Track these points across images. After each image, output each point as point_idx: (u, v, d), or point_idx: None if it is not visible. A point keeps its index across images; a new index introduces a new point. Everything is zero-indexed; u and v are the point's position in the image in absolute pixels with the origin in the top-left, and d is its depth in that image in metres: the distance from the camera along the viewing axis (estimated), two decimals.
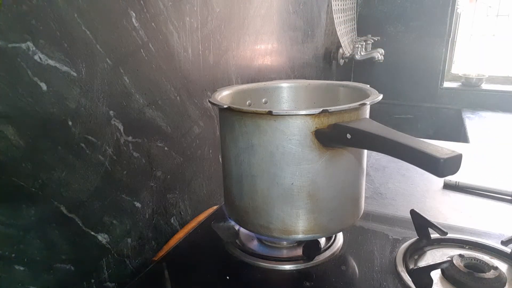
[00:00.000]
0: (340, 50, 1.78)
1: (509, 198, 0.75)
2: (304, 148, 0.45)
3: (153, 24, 0.57)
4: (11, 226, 0.40)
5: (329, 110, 0.43)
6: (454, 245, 0.57)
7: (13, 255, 0.41)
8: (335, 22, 1.60)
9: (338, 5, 1.63)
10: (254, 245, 0.58)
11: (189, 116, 0.69)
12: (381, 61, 1.81)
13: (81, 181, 0.48)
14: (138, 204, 0.59)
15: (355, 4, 1.96)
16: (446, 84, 2.12)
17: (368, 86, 0.56)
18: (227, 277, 0.52)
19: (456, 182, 0.81)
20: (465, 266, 0.49)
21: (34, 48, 0.40)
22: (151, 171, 0.61)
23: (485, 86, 2.08)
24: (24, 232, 0.41)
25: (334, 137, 0.44)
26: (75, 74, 0.45)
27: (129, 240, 0.58)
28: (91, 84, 0.48)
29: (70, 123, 0.45)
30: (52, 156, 0.44)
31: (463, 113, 1.91)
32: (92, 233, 0.51)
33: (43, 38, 0.41)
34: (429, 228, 0.56)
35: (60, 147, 0.44)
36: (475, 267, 0.50)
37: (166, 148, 0.64)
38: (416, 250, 0.56)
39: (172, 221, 0.68)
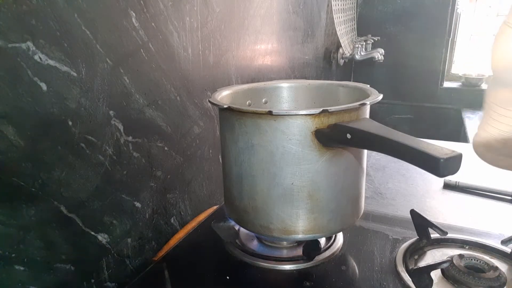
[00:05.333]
0: (340, 50, 1.78)
1: (509, 198, 0.75)
2: (304, 148, 0.45)
3: (153, 24, 0.57)
4: (11, 226, 0.40)
5: (329, 110, 0.43)
6: (454, 245, 0.57)
7: (13, 255, 0.41)
8: (335, 22, 1.60)
9: (338, 5, 1.63)
10: (254, 245, 0.58)
11: (189, 116, 0.69)
12: (381, 61, 1.81)
13: (81, 181, 0.48)
14: (138, 204, 0.59)
15: (355, 4, 1.96)
16: (446, 84, 2.12)
17: (368, 86, 0.56)
18: (227, 277, 0.52)
19: (456, 182, 0.81)
20: (465, 266, 0.49)
21: (34, 48, 0.40)
22: (151, 171, 0.61)
23: (485, 86, 2.07)
24: (24, 232, 0.41)
25: (334, 137, 0.44)
26: (75, 74, 0.45)
27: (129, 240, 0.58)
28: (91, 84, 0.48)
29: (70, 123, 0.45)
30: (52, 156, 0.44)
31: (463, 113, 1.91)
32: (92, 233, 0.51)
33: (43, 38, 0.41)
34: (429, 228, 0.56)
35: (60, 147, 0.44)
36: (475, 267, 0.50)
37: (166, 148, 0.64)
38: (416, 250, 0.56)
39: (172, 221, 0.68)
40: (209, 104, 0.73)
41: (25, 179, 0.41)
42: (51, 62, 0.42)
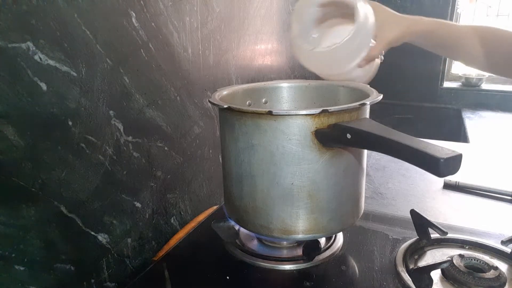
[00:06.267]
0: None
1: (509, 198, 0.75)
2: (304, 148, 0.45)
3: (153, 24, 0.57)
4: (11, 226, 0.40)
5: (329, 110, 0.43)
6: (454, 245, 0.57)
7: (13, 255, 0.41)
8: None
9: None
10: (254, 245, 0.58)
11: (189, 116, 0.69)
12: (381, 61, 1.80)
13: (81, 181, 0.48)
14: (138, 204, 0.59)
15: None
16: (446, 84, 2.12)
17: (368, 86, 0.56)
18: (227, 277, 0.52)
19: (456, 182, 0.81)
20: (465, 266, 0.49)
21: (34, 48, 0.40)
22: (151, 171, 0.61)
23: (485, 86, 2.08)
24: (24, 232, 0.41)
25: (334, 137, 0.44)
26: (75, 74, 0.45)
27: (129, 240, 0.58)
28: (91, 84, 0.48)
29: (70, 123, 0.45)
30: (52, 156, 0.44)
31: (463, 113, 1.91)
32: (92, 233, 0.51)
33: (43, 38, 0.41)
34: (429, 228, 0.56)
35: (60, 147, 0.44)
36: (475, 267, 0.50)
37: (166, 148, 0.64)
38: (416, 250, 0.56)
39: (172, 221, 0.68)
40: (209, 104, 0.73)
41: (25, 179, 0.41)
42: (51, 62, 0.42)
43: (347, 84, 0.60)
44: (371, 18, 0.55)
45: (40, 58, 0.41)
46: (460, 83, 2.12)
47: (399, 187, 0.82)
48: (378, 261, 0.54)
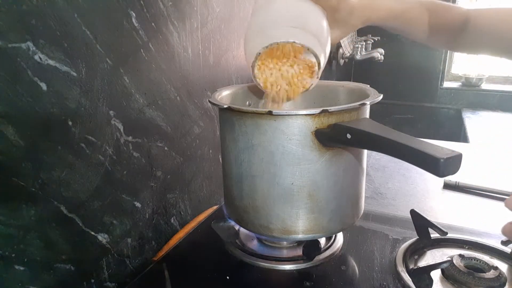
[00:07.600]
0: (340, 50, 1.78)
1: None
2: (304, 148, 0.45)
3: (153, 24, 0.57)
4: (11, 226, 0.40)
5: (329, 110, 0.44)
6: (454, 245, 0.57)
7: (13, 255, 0.41)
8: None
9: None
10: (254, 245, 0.58)
11: (189, 116, 0.69)
12: (381, 61, 1.81)
13: (81, 181, 0.48)
14: (138, 204, 0.59)
15: None
16: (446, 84, 2.12)
17: (368, 86, 0.56)
18: (227, 277, 0.52)
19: (456, 182, 0.81)
20: (465, 266, 0.49)
21: (34, 48, 0.40)
22: (151, 171, 0.61)
23: (485, 86, 2.08)
24: (24, 232, 0.41)
25: (334, 137, 0.44)
26: (75, 74, 0.45)
27: (129, 240, 0.58)
28: (91, 84, 0.48)
29: (70, 123, 0.45)
30: (52, 156, 0.44)
31: (463, 113, 1.91)
32: (92, 233, 0.51)
33: (43, 38, 0.41)
34: (429, 228, 0.56)
35: (60, 147, 0.44)
36: (475, 267, 0.50)
37: (166, 148, 0.64)
38: (416, 250, 0.56)
39: (172, 221, 0.68)
40: (209, 104, 0.73)
41: (25, 179, 0.41)
42: (51, 62, 0.42)
43: (347, 84, 0.61)
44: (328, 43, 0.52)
45: (40, 58, 0.41)
46: (460, 83, 2.12)
47: (399, 187, 0.82)
48: (378, 261, 0.54)
